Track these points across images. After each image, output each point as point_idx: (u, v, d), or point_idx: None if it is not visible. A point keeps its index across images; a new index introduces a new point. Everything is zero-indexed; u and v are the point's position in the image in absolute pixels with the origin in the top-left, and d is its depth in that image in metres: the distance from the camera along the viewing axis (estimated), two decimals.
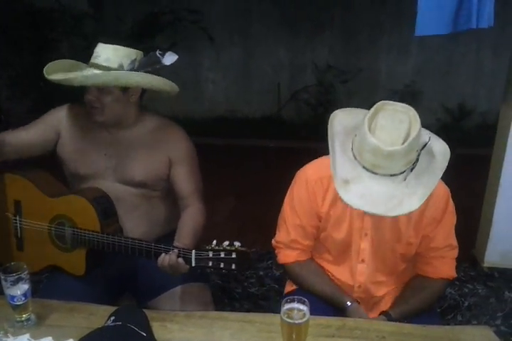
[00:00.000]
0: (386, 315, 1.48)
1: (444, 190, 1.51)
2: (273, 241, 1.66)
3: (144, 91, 1.67)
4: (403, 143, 1.24)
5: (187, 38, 5.07)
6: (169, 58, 1.59)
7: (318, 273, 1.60)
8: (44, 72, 1.57)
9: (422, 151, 1.32)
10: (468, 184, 3.76)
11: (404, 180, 1.27)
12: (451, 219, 1.53)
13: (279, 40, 5.30)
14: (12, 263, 1.29)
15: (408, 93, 5.05)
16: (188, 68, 5.26)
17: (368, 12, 5.04)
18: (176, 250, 1.43)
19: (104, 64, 1.56)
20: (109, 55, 1.57)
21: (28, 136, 1.69)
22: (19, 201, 1.68)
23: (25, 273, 1.28)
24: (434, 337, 1.29)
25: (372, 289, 1.59)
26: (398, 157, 1.24)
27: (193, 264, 1.40)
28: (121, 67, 1.56)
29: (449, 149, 1.38)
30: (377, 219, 1.49)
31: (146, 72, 1.59)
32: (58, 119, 1.71)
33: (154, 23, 4.92)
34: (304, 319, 1.13)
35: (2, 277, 1.25)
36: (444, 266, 1.55)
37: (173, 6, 4.94)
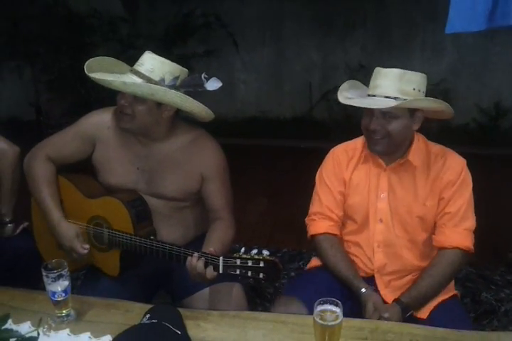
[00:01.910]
0: (398, 303, 1.52)
1: (460, 159, 1.62)
2: (307, 217, 1.77)
3: (178, 110, 1.64)
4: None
5: (219, 40, 5.11)
6: (213, 84, 1.54)
7: (343, 254, 1.67)
8: (85, 68, 1.56)
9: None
10: (504, 185, 3.67)
11: (395, 100, 1.48)
12: (465, 185, 1.60)
13: (310, 40, 5.27)
14: (53, 261, 1.34)
15: (441, 92, 4.94)
16: (219, 69, 5.30)
17: (401, 10, 4.96)
18: (203, 258, 1.43)
19: (146, 74, 1.53)
20: (154, 66, 1.54)
21: (67, 150, 1.73)
22: (61, 200, 1.73)
23: (66, 270, 1.32)
24: None
25: (394, 259, 1.63)
26: (393, 76, 1.50)
27: (221, 271, 1.40)
28: (162, 81, 1.53)
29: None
30: (393, 180, 1.62)
31: (186, 92, 1.56)
32: (94, 130, 1.71)
33: (187, 26, 4.97)
34: (337, 321, 1.14)
35: (44, 273, 1.30)
36: (457, 235, 1.58)
37: (206, 8, 4.99)
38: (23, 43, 4.88)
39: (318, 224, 1.72)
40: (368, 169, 1.67)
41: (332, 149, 1.77)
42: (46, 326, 1.31)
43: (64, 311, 1.34)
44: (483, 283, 2.56)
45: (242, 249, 1.38)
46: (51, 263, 1.33)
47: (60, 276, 1.31)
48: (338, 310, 1.15)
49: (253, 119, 5.51)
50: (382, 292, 1.63)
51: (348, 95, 1.61)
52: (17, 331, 1.18)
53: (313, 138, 5.01)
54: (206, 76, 1.54)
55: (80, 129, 1.73)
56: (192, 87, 1.56)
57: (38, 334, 1.19)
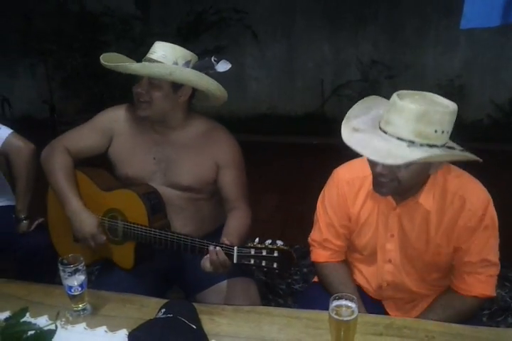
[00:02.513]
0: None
1: (483, 198, 1.39)
2: (308, 239, 1.67)
3: (193, 94, 1.69)
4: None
5: (231, 37, 5.11)
6: (223, 66, 1.61)
7: (344, 282, 1.56)
8: (101, 59, 1.61)
9: (445, 149, 1.24)
10: None
11: (408, 146, 1.20)
12: (489, 231, 1.39)
13: (322, 36, 5.25)
14: (70, 255, 1.35)
15: (455, 88, 4.90)
16: (232, 66, 5.30)
17: (413, 5, 4.91)
18: (218, 248, 1.44)
19: (160, 60, 1.58)
20: (166, 52, 1.59)
21: (84, 143, 1.76)
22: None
23: (82, 264, 1.33)
24: (484, 338, 1.26)
25: (403, 291, 1.55)
26: (409, 115, 1.19)
27: (235, 261, 1.41)
28: (175, 65, 1.59)
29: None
30: (403, 221, 1.45)
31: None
32: (110, 123, 1.75)
33: (200, 24, 4.98)
34: (353, 316, 1.13)
35: (61, 268, 1.32)
36: (478, 284, 1.43)
37: (218, 6, 4.99)
38: (37, 41, 4.92)
39: (318, 253, 1.62)
40: (376, 205, 1.48)
41: (335, 171, 1.57)
42: (63, 319, 1.32)
43: (80, 305, 1.36)
44: (498, 280, 2.52)
45: (257, 239, 1.39)
46: (67, 258, 1.34)
47: (76, 271, 1.32)
48: (353, 305, 1.15)
49: (264, 116, 5.51)
50: (391, 313, 1.58)
51: (356, 124, 1.31)
52: (35, 324, 1.20)
53: (325, 134, 4.99)
54: (216, 59, 1.60)
55: (96, 123, 1.76)
56: (204, 70, 1.61)
57: (56, 327, 1.20)
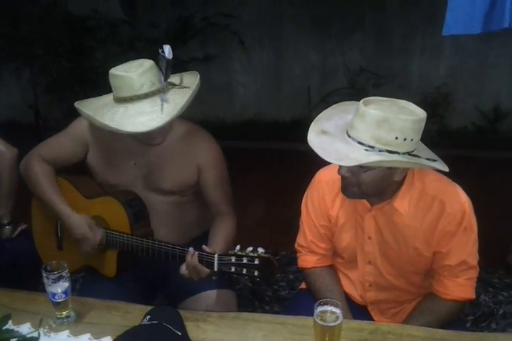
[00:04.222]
0: None
1: (461, 201, 1.39)
2: (295, 245, 1.67)
3: None
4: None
5: (218, 43, 5.13)
6: (167, 51, 1.48)
7: (331, 289, 1.56)
8: (87, 113, 1.54)
9: (407, 156, 1.25)
10: (503, 188, 3.68)
11: (366, 150, 1.23)
12: (468, 234, 1.40)
13: (309, 43, 5.29)
14: (54, 262, 1.34)
15: (441, 95, 4.96)
16: (218, 72, 5.32)
17: (400, 13, 4.98)
18: (196, 253, 1.43)
19: (152, 89, 1.49)
20: (149, 78, 1.49)
21: (61, 151, 1.74)
22: None
23: (66, 271, 1.33)
24: None
25: (387, 291, 1.57)
26: (370, 121, 1.21)
27: (216, 269, 1.40)
28: (154, 85, 1.50)
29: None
30: (379, 223, 1.46)
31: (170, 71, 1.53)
32: (86, 131, 1.71)
33: (187, 29, 4.98)
34: (338, 322, 1.14)
35: (44, 275, 1.31)
36: (457, 287, 1.44)
37: (205, 11, 5.01)
38: (22, 45, 4.88)
39: (305, 259, 1.63)
40: (354, 207, 1.49)
41: (318, 173, 1.59)
42: (47, 327, 1.31)
43: (64, 312, 1.35)
44: (482, 285, 2.56)
45: (237, 247, 1.38)
46: (51, 265, 1.33)
47: (60, 277, 1.31)
48: (338, 311, 1.15)
49: (252, 122, 5.52)
50: (376, 319, 1.59)
51: (327, 126, 1.33)
52: (18, 331, 1.18)
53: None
54: (161, 49, 1.49)
55: (72, 132, 1.74)
56: (169, 68, 1.51)
57: (39, 334, 1.19)
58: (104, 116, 1.50)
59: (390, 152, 1.22)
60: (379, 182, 1.34)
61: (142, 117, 1.46)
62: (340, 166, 1.33)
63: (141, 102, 1.48)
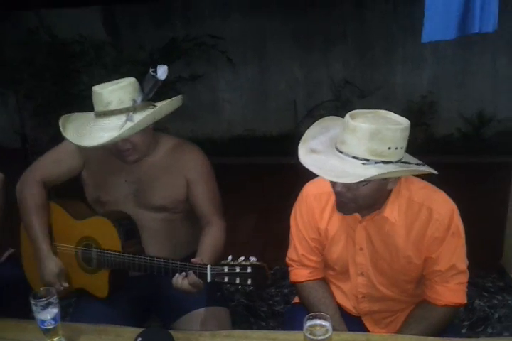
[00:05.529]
0: None
1: (448, 207, 1.43)
2: (286, 259, 1.68)
3: None
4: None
5: (204, 62, 5.17)
6: (161, 72, 1.52)
7: (324, 302, 1.57)
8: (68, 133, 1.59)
9: (400, 164, 1.28)
10: (492, 193, 3.71)
11: (363, 164, 1.24)
12: (456, 239, 1.43)
13: (293, 57, 5.36)
14: (42, 289, 1.33)
15: (425, 104, 5.03)
16: (204, 90, 5.36)
17: (379, 24, 5.07)
18: (191, 271, 1.43)
19: (120, 107, 1.53)
20: (119, 96, 1.53)
21: (59, 169, 1.75)
22: (51, 224, 1.74)
23: (54, 297, 1.32)
24: None
25: (380, 301, 1.57)
26: (362, 134, 1.23)
27: (209, 280, 1.40)
28: (135, 102, 1.54)
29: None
30: (371, 233, 1.47)
31: (154, 93, 1.57)
32: (80, 148, 1.71)
33: (173, 49, 5.01)
34: (327, 335, 1.14)
35: (33, 302, 1.30)
36: (448, 292, 1.45)
37: (189, 31, 5.06)
38: (7, 70, 4.89)
39: (297, 273, 1.64)
40: (343, 220, 1.51)
41: (305, 187, 1.60)
42: None
43: (54, 339, 1.34)
44: (475, 290, 2.57)
45: (230, 257, 1.38)
46: (40, 292, 1.33)
47: (48, 304, 1.30)
48: (327, 324, 1.16)
49: (239, 138, 5.55)
50: (371, 329, 1.59)
51: (314, 145, 1.35)
52: None
53: None
54: (153, 69, 1.53)
55: (67, 147, 1.74)
56: (155, 87, 1.55)
57: None
58: (80, 129, 1.57)
59: (384, 162, 1.25)
60: (375, 194, 1.36)
61: (102, 133, 1.51)
62: (334, 183, 1.33)
63: (108, 119, 1.53)
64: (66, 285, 1.64)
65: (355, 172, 1.22)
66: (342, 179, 1.24)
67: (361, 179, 1.21)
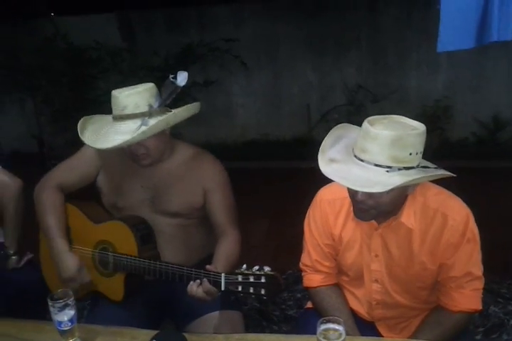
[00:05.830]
0: None
1: (463, 213, 1.41)
2: (300, 265, 1.68)
3: None
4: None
5: (218, 67, 5.20)
6: (181, 78, 1.55)
7: (337, 307, 1.56)
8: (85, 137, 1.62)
9: (421, 169, 1.28)
10: (507, 198, 3.68)
11: (387, 172, 1.23)
12: (471, 245, 1.41)
13: (306, 62, 5.37)
14: (59, 290, 1.35)
15: (440, 109, 5.00)
16: (219, 96, 5.40)
17: (393, 29, 5.06)
18: (205, 279, 1.44)
19: (136, 112, 1.56)
20: (136, 101, 1.56)
21: (75, 175, 1.78)
22: (69, 227, 1.76)
23: (71, 299, 1.34)
24: None
25: (394, 308, 1.56)
26: (384, 142, 1.21)
27: (223, 288, 1.40)
28: (151, 107, 1.57)
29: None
30: (387, 240, 1.46)
31: (172, 99, 1.60)
32: (94, 153, 1.76)
33: (188, 55, 5.06)
34: (341, 339, 1.14)
35: (50, 304, 1.32)
36: (464, 299, 1.44)
37: (203, 36, 5.10)
38: (25, 76, 4.98)
39: (311, 278, 1.63)
40: (358, 226, 1.49)
41: (319, 192, 1.59)
42: None
43: (71, 340, 1.35)
44: (491, 296, 2.54)
45: (244, 266, 1.38)
46: (57, 293, 1.35)
47: (65, 305, 1.32)
48: (340, 328, 1.16)
49: (253, 142, 5.57)
50: (385, 335, 1.58)
51: (332, 154, 1.34)
52: None
53: (314, 158, 5.04)
54: (173, 75, 1.56)
55: (84, 154, 1.78)
56: (173, 94, 1.58)
57: None
58: (97, 132, 1.61)
59: (406, 168, 1.25)
60: (397, 200, 1.35)
61: (117, 136, 1.54)
62: (356, 191, 1.31)
63: (124, 122, 1.57)
64: (88, 279, 1.65)
65: (380, 181, 1.21)
66: (368, 189, 1.23)
67: (390, 187, 1.20)
